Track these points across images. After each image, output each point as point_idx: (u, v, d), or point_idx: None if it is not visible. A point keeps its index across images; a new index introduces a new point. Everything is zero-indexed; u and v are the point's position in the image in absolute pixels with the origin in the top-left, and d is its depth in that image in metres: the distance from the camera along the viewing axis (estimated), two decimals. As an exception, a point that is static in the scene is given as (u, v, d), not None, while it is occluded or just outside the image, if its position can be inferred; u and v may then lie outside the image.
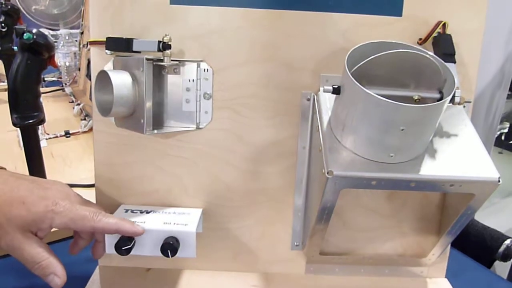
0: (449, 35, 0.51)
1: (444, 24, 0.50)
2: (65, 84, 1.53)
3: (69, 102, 1.43)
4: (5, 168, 0.50)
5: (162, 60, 0.49)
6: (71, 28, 1.60)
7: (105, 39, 0.50)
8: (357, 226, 0.58)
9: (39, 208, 0.42)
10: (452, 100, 0.43)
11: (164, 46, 0.49)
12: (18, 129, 0.73)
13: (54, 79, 1.67)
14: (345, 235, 0.58)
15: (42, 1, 1.61)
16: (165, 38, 0.49)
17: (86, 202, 0.49)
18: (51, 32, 1.58)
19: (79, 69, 1.52)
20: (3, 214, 0.41)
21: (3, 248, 0.42)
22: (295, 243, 0.58)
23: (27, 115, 0.69)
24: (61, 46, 1.47)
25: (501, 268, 0.74)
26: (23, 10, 1.54)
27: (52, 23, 1.64)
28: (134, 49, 0.50)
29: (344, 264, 0.59)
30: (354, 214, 0.57)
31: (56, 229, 0.44)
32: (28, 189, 0.43)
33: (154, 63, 0.49)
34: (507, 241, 0.72)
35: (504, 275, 0.69)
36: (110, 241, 0.48)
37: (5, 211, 0.41)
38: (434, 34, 0.51)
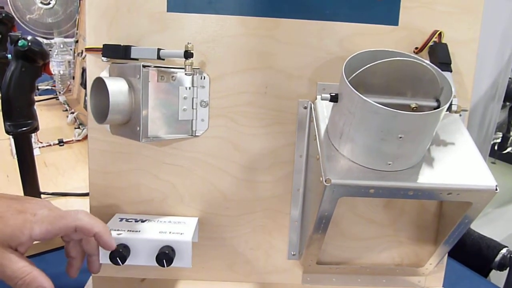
0: (445, 44, 0.51)
1: (440, 34, 0.51)
2: (59, 92, 1.52)
3: (63, 111, 1.42)
4: None
5: (162, 67, 0.49)
6: (66, 37, 1.60)
7: (101, 46, 0.50)
8: (354, 236, 0.57)
9: (17, 220, 0.41)
10: (449, 108, 0.43)
11: (187, 55, 0.47)
12: (11, 137, 0.72)
13: (48, 87, 1.66)
14: (342, 244, 0.58)
15: (36, 10, 1.60)
16: (188, 46, 0.47)
17: None
18: (45, 41, 1.58)
19: (73, 78, 1.51)
20: None
21: None
22: (292, 253, 0.57)
23: (20, 123, 0.68)
24: (56, 54, 1.46)
25: (497, 277, 0.74)
26: (17, 19, 1.54)
27: (47, 32, 1.64)
28: (133, 56, 0.49)
29: (341, 274, 0.58)
30: (351, 224, 0.57)
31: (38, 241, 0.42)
32: (6, 205, 0.42)
33: (151, 70, 0.49)
34: (503, 250, 0.72)
35: (501, 285, 0.69)
36: (104, 251, 0.47)
37: None
38: (430, 43, 0.51)
